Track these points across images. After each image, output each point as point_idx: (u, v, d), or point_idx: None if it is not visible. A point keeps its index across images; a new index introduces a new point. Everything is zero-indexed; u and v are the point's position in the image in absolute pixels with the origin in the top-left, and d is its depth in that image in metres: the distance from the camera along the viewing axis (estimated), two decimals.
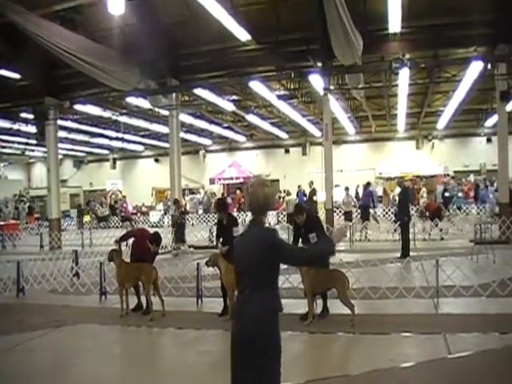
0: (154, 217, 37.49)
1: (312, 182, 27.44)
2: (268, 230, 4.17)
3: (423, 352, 7.41)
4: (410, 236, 17.60)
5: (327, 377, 6.52)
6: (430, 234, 21.41)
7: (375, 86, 26.82)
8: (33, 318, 10.60)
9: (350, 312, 8.96)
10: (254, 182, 4.22)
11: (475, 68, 20.49)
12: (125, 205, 40.96)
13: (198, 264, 11.37)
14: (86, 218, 39.01)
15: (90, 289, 12.73)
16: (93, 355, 8.13)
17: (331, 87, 22.10)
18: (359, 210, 25.46)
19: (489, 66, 20.17)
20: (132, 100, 26.41)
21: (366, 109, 32.32)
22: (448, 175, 36.10)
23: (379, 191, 34.59)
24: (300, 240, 9.79)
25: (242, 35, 19.04)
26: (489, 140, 38.67)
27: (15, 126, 32.33)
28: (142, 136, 41.66)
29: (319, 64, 20.40)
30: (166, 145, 30.98)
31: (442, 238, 20.97)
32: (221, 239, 10.33)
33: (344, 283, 9.09)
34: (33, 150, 45.95)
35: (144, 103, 26.07)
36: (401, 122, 35.61)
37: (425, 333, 8.24)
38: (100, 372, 7.24)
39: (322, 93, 21.82)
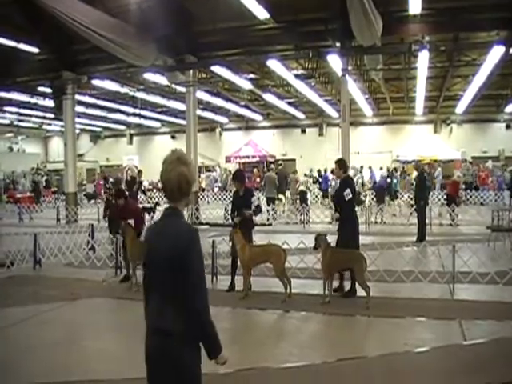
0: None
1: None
2: (190, 225, 3.35)
3: (438, 337, 7.38)
4: (427, 221, 17.52)
5: (342, 358, 6.51)
6: (454, 219, 21.04)
7: (394, 68, 26.54)
8: (48, 290, 10.70)
9: (365, 294, 8.95)
10: (167, 157, 3.34)
11: (496, 52, 20.17)
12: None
13: (213, 241, 11.39)
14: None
15: (106, 263, 12.81)
16: (106, 329, 8.19)
17: (349, 68, 21.87)
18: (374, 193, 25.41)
19: (511, 51, 19.82)
20: (149, 76, 26.33)
21: (383, 91, 32.03)
22: (466, 160, 35.72)
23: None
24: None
25: (261, 13, 18.83)
26: (508, 126, 38.29)
27: (33, 100, 32.38)
28: (159, 112, 41.64)
29: (338, 44, 20.15)
30: (183, 122, 30.87)
31: (457, 224, 20.83)
32: (235, 213, 10.42)
33: (361, 264, 9.06)
34: (50, 124, 46.15)
35: (161, 79, 25.98)
36: (419, 105, 35.21)
37: (440, 318, 8.22)
38: (111, 346, 7.28)
39: (339, 73, 21.61)
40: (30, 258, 13.25)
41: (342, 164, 10.49)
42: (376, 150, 38.27)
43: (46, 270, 12.98)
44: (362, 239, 10.82)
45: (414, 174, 23.17)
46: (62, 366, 6.56)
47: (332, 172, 18.49)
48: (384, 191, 24.70)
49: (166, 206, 3.30)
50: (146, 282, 3.33)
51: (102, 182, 38.74)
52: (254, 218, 10.55)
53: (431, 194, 26.57)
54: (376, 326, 8.13)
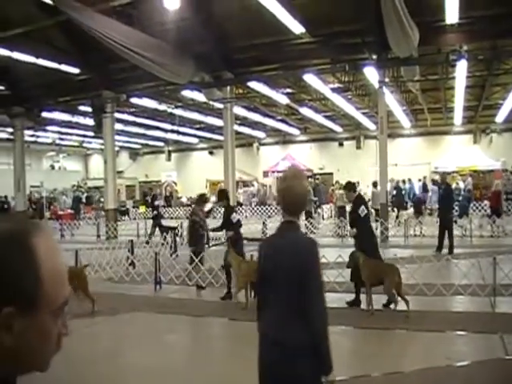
0: (208, 208, 37.78)
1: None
2: (310, 239, 3.50)
3: (479, 351, 7.28)
4: (467, 232, 17.28)
5: (379, 373, 6.46)
6: (495, 231, 20.63)
7: (431, 79, 26.30)
8: (88, 305, 10.87)
9: (403, 307, 8.91)
10: (291, 173, 3.45)
11: None
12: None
13: (251, 256, 11.46)
14: (142, 209, 39.71)
15: (145, 278, 12.97)
16: (145, 344, 8.29)
17: (386, 79, 21.80)
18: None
19: None
20: (187, 93, 26.67)
21: (421, 102, 31.75)
22: (506, 170, 35.09)
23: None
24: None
25: (296, 28, 18.97)
26: None
27: (74, 119, 33.09)
28: (197, 129, 41.99)
29: (374, 56, 20.13)
30: (220, 137, 31.12)
31: (499, 236, 20.48)
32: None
33: (393, 277, 9.05)
34: (90, 142, 47.02)
35: (199, 96, 26.26)
36: (457, 115, 34.77)
37: (481, 332, 8.07)
38: (150, 361, 7.36)
39: (376, 85, 21.57)
40: None
41: (350, 187, 11.09)
42: (414, 161, 37.89)
43: None
44: (401, 252, 10.76)
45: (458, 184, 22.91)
46: (102, 381, 6.67)
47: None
48: (422, 203, 24.48)
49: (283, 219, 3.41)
50: (262, 295, 3.40)
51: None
52: (235, 233, 11.50)
53: (471, 205, 26.18)
54: (415, 339, 8.05)
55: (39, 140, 41.99)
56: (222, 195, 12.21)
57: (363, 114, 35.97)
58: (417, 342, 7.96)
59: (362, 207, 10.50)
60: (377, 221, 20.96)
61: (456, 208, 23.47)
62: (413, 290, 10.29)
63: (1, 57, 21.04)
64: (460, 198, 25.76)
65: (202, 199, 13.42)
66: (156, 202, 21.80)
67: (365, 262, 9.50)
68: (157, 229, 20.39)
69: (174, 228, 19.41)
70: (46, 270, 1.13)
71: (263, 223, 22.95)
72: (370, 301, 9.38)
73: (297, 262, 3.17)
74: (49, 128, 38.05)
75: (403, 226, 21.24)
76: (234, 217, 11.61)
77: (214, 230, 12.40)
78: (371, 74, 21.76)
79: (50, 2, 16.89)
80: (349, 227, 11.76)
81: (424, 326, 8.50)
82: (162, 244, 19.36)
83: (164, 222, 21.41)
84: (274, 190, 44.05)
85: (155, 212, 21.13)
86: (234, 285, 10.90)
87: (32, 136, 38.51)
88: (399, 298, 9.25)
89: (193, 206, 12.69)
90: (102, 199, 41.97)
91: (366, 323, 8.75)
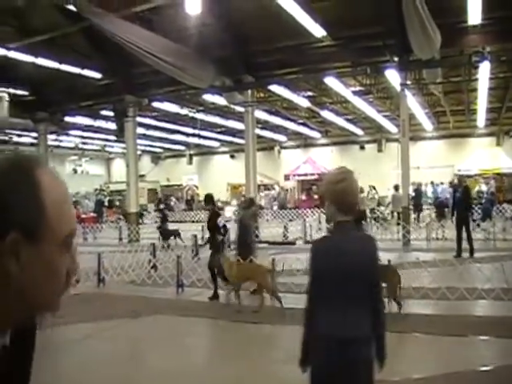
0: (229, 212, 37.86)
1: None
2: (370, 236, 3.70)
3: (502, 356, 7.18)
4: (490, 236, 17.11)
5: (401, 378, 6.37)
6: None
7: (454, 81, 26.10)
8: (111, 307, 10.95)
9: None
10: (346, 174, 3.46)
11: None
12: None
13: (273, 260, 11.46)
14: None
15: (167, 281, 13.02)
16: (166, 346, 8.33)
17: (408, 82, 21.68)
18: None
19: None
20: (208, 97, 26.78)
21: (443, 104, 31.52)
22: None
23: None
24: None
25: (317, 31, 18.95)
26: None
27: (96, 123, 33.42)
28: (218, 132, 42.15)
29: (396, 59, 20.03)
30: (242, 141, 31.18)
31: None
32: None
33: (392, 279, 9.08)
34: (112, 146, 47.40)
35: (220, 100, 26.35)
36: (480, 117, 34.44)
37: (504, 336, 7.96)
38: (171, 364, 7.38)
39: (398, 88, 21.47)
40: (94, 277, 13.60)
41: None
42: (436, 164, 37.62)
43: (109, 287, 13.27)
44: (423, 256, 10.67)
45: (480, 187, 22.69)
46: (127, 382, 6.72)
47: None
48: (445, 206, 24.27)
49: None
50: (320, 296, 3.36)
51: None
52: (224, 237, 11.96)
53: (494, 208, 25.88)
54: (438, 344, 7.95)
55: (62, 144, 42.42)
56: (209, 200, 12.43)
57: (385, 116, 35.82)
58: (439, 346, 7.87)
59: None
60: (398, 224, 20.84)
61: (478, 211, 23.29)
62: (435, 294, 10.20)
63: (25, 63, 21.29)
64: (483, 201, 25.53)
65: (250, 203, 13.31)
66: (161, 206, 22.05)
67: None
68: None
69: (178, 233, 19.57)
70: (50, 200, 1.13)
71: (284, 227, 22.92)
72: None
73: (367, 259, 3.34)
74: (71, 132, 38.42)
75: (425, 230, 21.08)
76: (220, 221, 11.87)
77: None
78: (393, 76, 21.66)
79: (74, 9, 17.11)
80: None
81: (447, 330, 8.41)
82: (163, 247, 19.49)
83: (170, 226, 21.76)
84: (296, 193, 44.10)
85: (160, 215, 21.38)
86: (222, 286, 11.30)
87: (55, 140, 38.93)
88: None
89: (240, 210, 12.61)
90: (117, 203, 42.43)
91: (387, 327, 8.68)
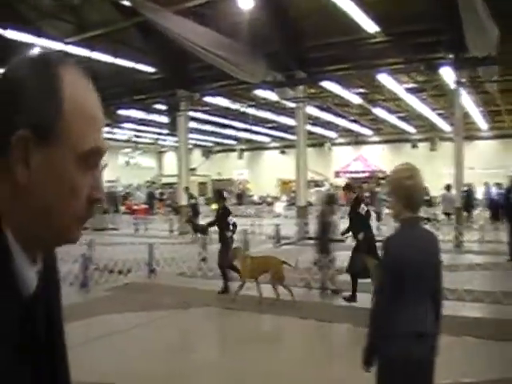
0: (279, 208, 37.93)
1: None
2: (433, 233, 3.80)
3: None
4: None
5: (449, 382, 6.21)
6: None
7: (510, 79, 25.47)
8: (161, 298, 11.15)
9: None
10: (413, 170, 3.53)
11: None
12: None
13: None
14: (214, 207, 40.16)
15: (217, 274, 13.16)
16: (215, 339, 8.45)
17: (463, 80, 21.25)
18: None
19: None
20: (259, 92, 26.83)
21: (499, 103, 30.79)
22: None
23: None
24: None
25: (370, 27, 18.77)
26: None
27: (149, 117, 33.93)
28: (269, 128, 42.16)
29: (451, 56, 19.66)
30: (292, 137, 31.17)
31: None
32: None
33: None
34: (165, 140, 47.93)
35: (271, 95, 26.37)
36: None
37: None
38: (218, 356, 7.47)
39: (452, 86, 21.08)
40: (145, 267, 13.87)
41: (350, 187, 11.98)
42: (491, 164, 36.78)
43: (159, 278, 13.52)
44: (476, 258, 10.46)
45: None
46: (176, 373, 6.82)
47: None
48: (500, 209, 23.67)
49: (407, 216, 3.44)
50: (402, 291, 3.32)
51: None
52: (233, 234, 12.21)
53: None
54: (487, 348, 7.75)
55: (115, 137, 43.15)
56: (219, 196, 12.68)
57: (438, 115, 35.22)
58: (489, 350, 7.69)
59: (362, 205, 11.17)
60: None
61: None
62: (488, 298, 10.02)
63: (81, 57, 21.77)
64: None
65: (331, 200, 13.20)
66: (192, 201, 22.33)
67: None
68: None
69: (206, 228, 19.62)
70: (71, 100, 1.01)
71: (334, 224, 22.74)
72: None
73: (438, 254, 3.48)
74: (125, 125, 39.06)
75: (478, 231, 20.67)
76: (231, 219, 12.09)
77: (208, 225, 13.16)
78: (447, 73, 21.26)
79: (129, 4, 17.43)
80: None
81: (497, 334, 8.22)
82: (194, 240, 19.57)
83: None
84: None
85: (191, 210, 21.64)
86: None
87: (109, 133, 39.61)
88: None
89: (322, 206, 12.41)
90: (164, 196, 42.95)
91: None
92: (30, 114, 0.98)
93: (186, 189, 24.44)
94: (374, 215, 21.94)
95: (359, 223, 11.09)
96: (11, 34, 19.70)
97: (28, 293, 1.03)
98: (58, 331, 1.17)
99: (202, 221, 20.98)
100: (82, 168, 1.02)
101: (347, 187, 12.05)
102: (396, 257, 3.37)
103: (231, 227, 11.97)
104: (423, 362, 3.27)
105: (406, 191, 3.41)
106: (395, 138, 43.65)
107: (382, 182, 28.05)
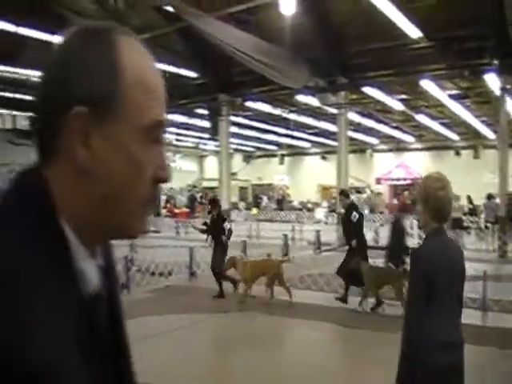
0: (319, 214, 37.83)
1: None
2: (457, 243, 3.90)
3: None
4: None
5: None
6: None
7: None
8: (202, 301, 11.28)
9: None
10: (444, 181, 3.46)
11: None
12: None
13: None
14: (254, 211, 40.36)
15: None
16: (254, 343, 8.48)
17: (508, 86, 20.91)
18: None
19: None
20: (301, 98, 26.84)
21: None
22: None
23: None
24: None
25: (413, 32, 18.62)
26: None
27: (191, 121, 34.26)
28: (310, 133, 42.09)
29: (495, 62, 19.37)
30: (333, 143, 31.06)
31: None
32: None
33: (398, 282, 9.74)
34: (206, 144, 48.28)
35: (312, 101, 26.35)
36: None
37: None
38: (256, 361, 7.50)
39: (497, 92, 20.77)
40: (186, 270, 14.03)
41: (346, 194, 12.42)
42: None
43: (200, 281, 13.64)
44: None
45: None
46: (218, 376, 6.92)
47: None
48: None
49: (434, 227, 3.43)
50: (435, 299, 3.30)
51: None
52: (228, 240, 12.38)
53: None
54: None
55: None
56: (215, 204, 12.92)
57: (482, 122, 34.68)
58: None
59: (354, 213, 11.51)
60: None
61: None
62: None
63: None
64: None
65: (406, 208, 12.97)
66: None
67: (370, 269, 10.61)
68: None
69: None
70: (130, 72, 0.94)
71: (375, 232, 22.53)
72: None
73: (463, 263, 3.46)
74: (167, 129, 39.44)
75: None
76: (227, 225, 12.41)
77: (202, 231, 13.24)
78: (492, 80, 20.97)
79: (171, 10, 17.69)
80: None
81: None
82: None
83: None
84: (387, 198, 43.39)
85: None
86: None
87: None
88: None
89: (395, 213, 12.40)
90: (204, 200, 43.16)
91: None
92: (87, 89, 0.90)
93: (206, 194, 24.70)
94: (415, 223, 21.70)
95: (351, 230, 11.60)
96: (58, 39, 20.12)
97: (90, 289, 0.95)
98: (121, 329, 1.11)
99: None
100: (145, 143, 0.96)
101: (342, 193, 12.60)
102: (427, 266, 3.34)
103: (226, 232, 12.22)
104: (458, 372, 3.26)
105: (437, 202, 3.37)
106: (437, 145, 43.08)
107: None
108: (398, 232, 12.00)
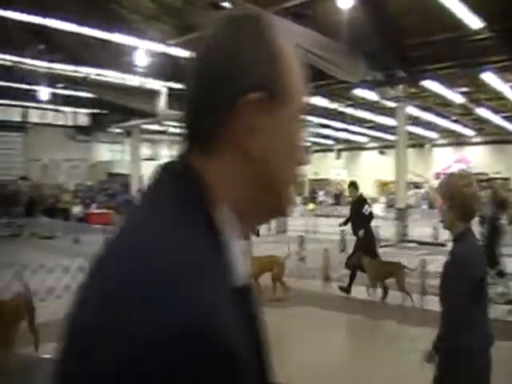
0: (377, 209, 37.44)
1: None
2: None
3: None
4: None
5: None
6: None
7: None
8: (259, 295, 11.34)
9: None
10: (471, 178, 3.42)
11: None
12: None
13: (424, 260, 11.39)
14: (311, 206, 40.30)
15: (314, 274, 13.26)
16: (311, 338, 8.51)
17: None
18: None
19: None
20: (358, 92, 26.64)
21: None
22: None
23: None
24: None
25: (474, 23, 18.22)
26: None
27: None
28: (367, 128, 41.74)
29: None
30: (391, 137, 30.74)
31: None
32: None
33: (400, 274, 10.40)
34: None
35: (370, 95, 26.13)
36: None
37: None
38: (312, 356, 7.53)
39: None
40: None
41: (355, 185, 12.51)
42: None
43: None
44: None
45: None
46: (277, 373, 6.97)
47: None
48: None
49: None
50: (477, 301, 3.30)
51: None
52: None
53: None
54: None
55: None
56: None
57: None
58: None
59: (366, 206, 11.89)
60: None
61: None
62: None
63: (181, 58, 22.41)
64: None
65: (504, 203, 12.21)
66: None
67: (371, 263, 10.95)
68: None
69: None
70: (284, 57, 0.98)
71: (434, 228, 22.07)
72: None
73: (485, 264, 3.51)
74: None
75: None
76: None
77: None
78: None
79: (229, 6, 17.84)
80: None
81: None
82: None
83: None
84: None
85: None
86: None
87: None
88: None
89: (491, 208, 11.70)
90: None
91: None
92: (255, 77, 0.93)
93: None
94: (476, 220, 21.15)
95: (361, 222, 11.76)
96: (117, 38, 20.64)
97: (242, 280, 0.95)
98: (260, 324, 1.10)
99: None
100: (298, 125, 1.00)
101: (352, 185, 12.70)
102: (474, 269, 3.30)
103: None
104: (488, 371, 3.24)
105: (464, 199, 3.29)
106: (499, 138, 41.97)
107: (484, 184, 26.99)
108: (494, 229, 11.83)
